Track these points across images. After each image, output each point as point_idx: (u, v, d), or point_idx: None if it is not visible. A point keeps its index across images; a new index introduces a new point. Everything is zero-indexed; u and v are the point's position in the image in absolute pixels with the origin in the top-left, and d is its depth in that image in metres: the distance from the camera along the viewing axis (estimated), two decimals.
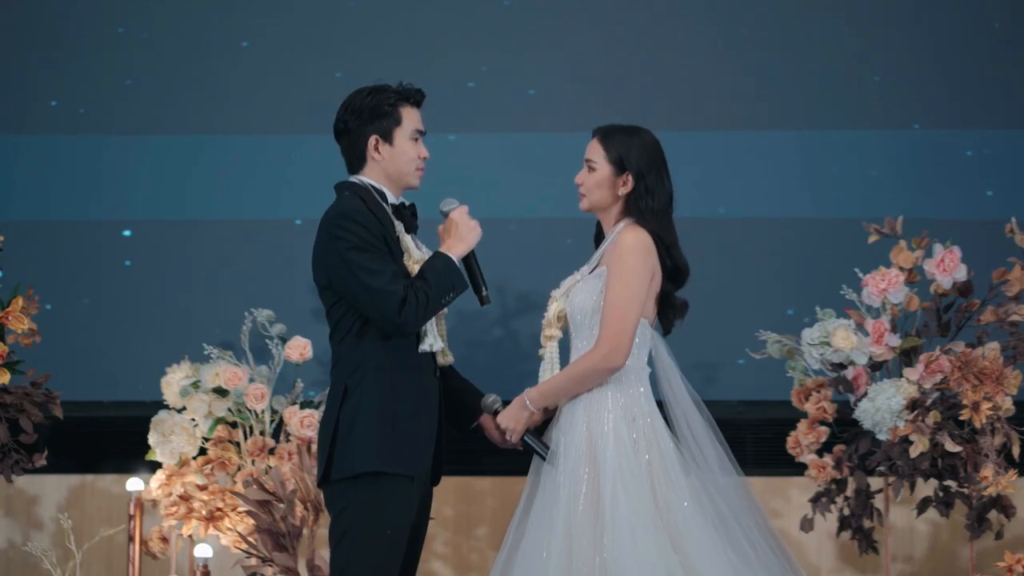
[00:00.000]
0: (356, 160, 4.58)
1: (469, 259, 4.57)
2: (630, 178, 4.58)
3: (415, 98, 4.57)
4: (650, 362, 4.60)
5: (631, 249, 4.51)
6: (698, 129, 6.48)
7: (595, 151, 4.63)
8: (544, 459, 4.53)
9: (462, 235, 4.54)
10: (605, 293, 4.51)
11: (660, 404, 4.59)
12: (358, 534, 4.39)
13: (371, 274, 4.39)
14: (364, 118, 4.53)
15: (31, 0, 6.68)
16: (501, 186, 6.42)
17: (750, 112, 6.52)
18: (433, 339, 4.53)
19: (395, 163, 4.56)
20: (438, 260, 4.50)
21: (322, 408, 5.71)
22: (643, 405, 4.53)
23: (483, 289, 4.59)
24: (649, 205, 4.56)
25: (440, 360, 4.59)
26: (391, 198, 4.56)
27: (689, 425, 4.55)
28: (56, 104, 6.64)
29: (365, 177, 4.57)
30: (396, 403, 4.43)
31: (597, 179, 4.62)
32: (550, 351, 4.63)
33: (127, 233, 6.59)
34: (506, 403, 4.61)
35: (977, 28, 6.51)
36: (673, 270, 4.60)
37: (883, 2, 6.54)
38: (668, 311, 4.64)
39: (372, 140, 4.54)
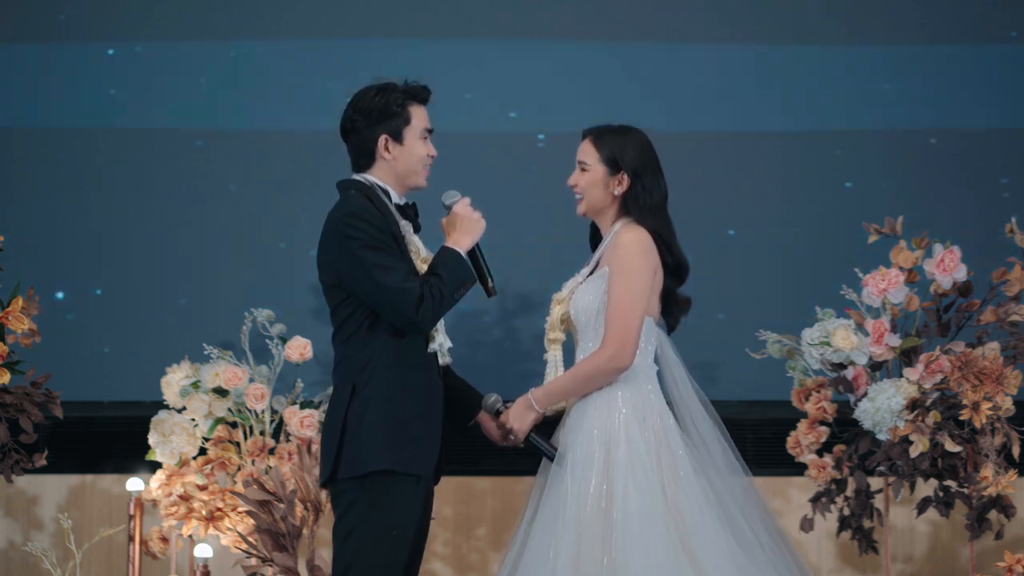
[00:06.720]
0: (364, 159, 4.56)
1: (474, 251, 4.53)
2: (625, 177, 4.57)
3: (422, 96, 4.56)
4: (656, 360, 4.59)
5: (632, 248, 4.50)
6: (699, 129, 6.47)
7: (587, 152, 4.62)
8: (551, 459, 4.51)
9: (467, 228, 4.52)
10: (608, 294, 4.49)
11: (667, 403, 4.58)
12: (364, 533, 4.37)
13: (385, 272, 4.37)
14: (373, 118, 4.51)
15: None
16: (502, 185, 6.42)
17: (752, 113, 6.51)
18: (443, 338, 4.52)
19: (405, 162, 4.54)
20: (448, 255, 4.47)
21: (323, 408, 5.71)
22: (653, 404, 4.52)
23: (489, 280, 4.55)
24: (647, 203, 4.55)
25: (440, 360, 4.57)
26: (395, 198, 4.55)
27: (695, 424, 4.54)
28: (36, 102, 6.64)
29: (371, 176, 4.54)
30: (405, 402, 4.41)
31: (591, 179, 4.60)
32: (554, 355, 4.62)
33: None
34: (507, 403, 4.60)
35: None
36: (675, 266, 4.58)
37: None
38: (672, 308, 4.62)
39: (382, 140, 4.52)
